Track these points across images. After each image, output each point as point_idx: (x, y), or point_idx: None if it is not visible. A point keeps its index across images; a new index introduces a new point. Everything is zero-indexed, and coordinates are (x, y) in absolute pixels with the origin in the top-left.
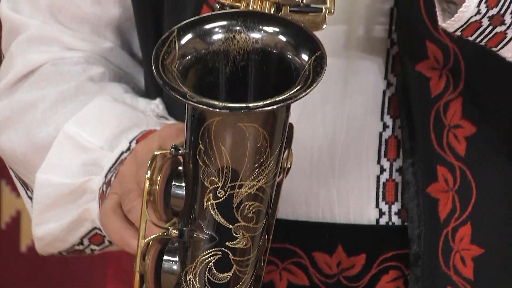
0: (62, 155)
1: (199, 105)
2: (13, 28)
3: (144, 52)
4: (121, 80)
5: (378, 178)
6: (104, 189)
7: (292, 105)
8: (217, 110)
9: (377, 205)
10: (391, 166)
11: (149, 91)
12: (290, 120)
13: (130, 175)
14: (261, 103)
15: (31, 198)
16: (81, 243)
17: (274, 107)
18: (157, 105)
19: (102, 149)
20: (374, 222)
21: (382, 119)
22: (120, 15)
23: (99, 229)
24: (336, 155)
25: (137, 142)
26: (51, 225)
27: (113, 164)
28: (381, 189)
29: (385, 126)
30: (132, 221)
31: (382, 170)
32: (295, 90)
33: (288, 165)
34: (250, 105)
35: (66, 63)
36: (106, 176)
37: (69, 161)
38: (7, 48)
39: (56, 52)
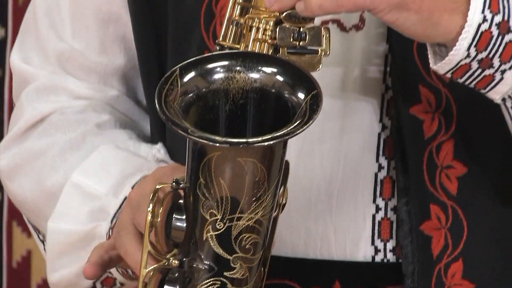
0: (70, 204)
1: (200, 140)
2: (23, 79)
3: (148, 99)
4: (127, 127)
5: (373, 216)
6: (111, 234)
7: (291, 143)
8: (217, 144)
9: (372, 243)
10: (386, 205)
11: (154, 137)
12: (289, 158)
13: (126, 221)
14: (259, 139)
15: (42, 242)
16: (94, 287)
17: (272, 142)
18: (158, 149)
19: (107, 196)
20: (370, 259)
21: (377, 160)
22: (126, 64)
23: (110, 272)
24: (334, 194)
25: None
26: (64, 271)
27: (118, 209)
28: (376, 228)
29: (380, 167)
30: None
31: (378, 209)
32: (292, 126)
33: (284, 201)
34: (249, 140)
35: (74, 111)
36: (112, 221)
37: (77, 209)
38: (17, 98)
39: (64, 101)
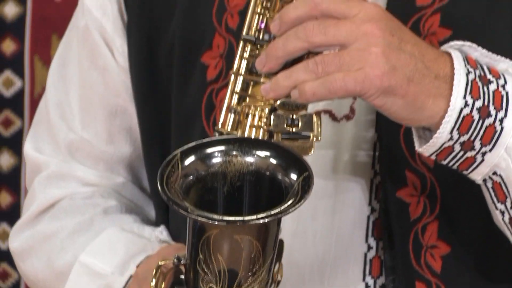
0: (79, 283)
1: (199, 218)
2: (36, 166)
3: (151, 183)
4: (132, 212)
5: None
6: None
7: (286, 222)
8: (215, 222)
9: None
10: (375, 283)
11: (158, 220)
12: (284, 237)
13: None
14: (254, 217)
15: None
16: None
17: (266, 220)
18: (161, 231)
19: (114, 274)
20: None
21: (366, 240)
22: (131, 154)
23: None
24: (326, 272)
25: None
26: None
27: (124, 287)
28: None
29: (369, 247)
30: None
31: (367, 286)
32: (285, 206)
33: (279, 278)
34: (245, 218)
35: (83, 197)
36: None
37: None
38: (30, 184)
39: (73, 187)
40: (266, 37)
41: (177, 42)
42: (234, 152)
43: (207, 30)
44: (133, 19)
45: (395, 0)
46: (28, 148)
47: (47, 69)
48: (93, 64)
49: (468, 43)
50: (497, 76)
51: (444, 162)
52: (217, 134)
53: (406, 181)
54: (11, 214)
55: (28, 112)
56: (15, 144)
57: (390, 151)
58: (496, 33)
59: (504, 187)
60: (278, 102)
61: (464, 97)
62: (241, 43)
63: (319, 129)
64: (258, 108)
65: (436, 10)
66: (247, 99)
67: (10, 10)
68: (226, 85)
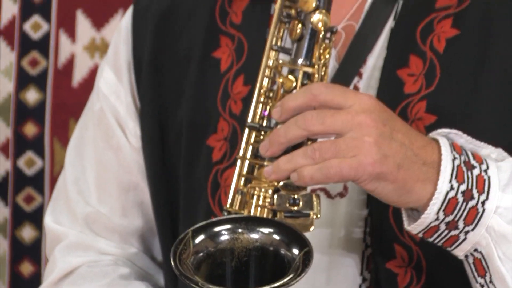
0: None
1: None
2: (56, 237)
3: (164, 256)
4: (144, 279)
5: None
6: None
7: None
8: None
9: None
10: None
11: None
12: None
13: None
14: None
15: None
16: None
17: None
18: None
19: None
20: None
21: None
22: (143, 226)
23: None
24: None
25: None
26: None
27: None
28: None
29: None
30: None
31: None
32: (288, 278)
33: None
34: None
35: (99, 265)
36: None
37: None
38: (50, 253)
39: (91, 256)
40: (269, 124)
41: (185, 126)
42: (241, 230)
43: (212, 115)
44: (145, 105)
45: (385, 88)
46: (48, 220)
47: (65, 150)
48: (108, 144)
49: (454, 131)
50: (480, 161)
51: (430, 240)
52: (225, 213)
53: (395, 254)
54: (33, 283)
55: (48, 189)
56: (36, 218)
57: (380, 226)
58: (478, 118)
59: (484, 263)
60: (281, 183)
61: (450, 181)
62: (246, 130)
63: (319, 208)
64: (263, 189)
65: (422, 97)
66: (253, 181)
67: (32, 96)
68: (231, 166)
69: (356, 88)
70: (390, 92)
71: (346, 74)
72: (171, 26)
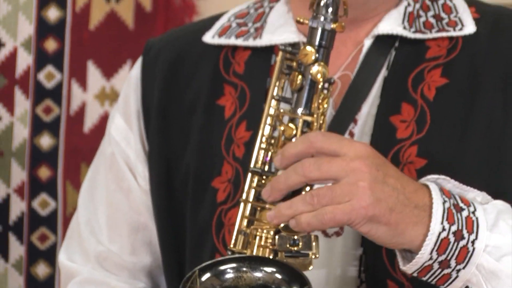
0: None
1: None
2: (69, 274)
3: None
4: None
5: None
6: None
7: None
8: None
9: None
10: None
11: None
12: None
13: None
14: None
15: None
16: None
17: None
18: None
19: None
20: None
21: None
22: (152, 263)
23: None
24: None
25: None
26: None
27: None
28: None
29: None
30: None
31: None
32: None
33: None
34: None
35: None
36: None
37: None
38: None
39: None
40: (271, 168)
41: (191, 169)
42: (245, 269)
43: (217, 159)
44: (153, 150)
45: (379, 133)
46: (63, 258)
47: (77, 192)
48: (119, 186)
49: (442, 177)
50: (468, 204)
51: (424, 278)
52: (229, 252)
53: None
54: None
55: (61, 228)
56: (50, 256)
57: (374, 264)
58: (465, 164)
59: None
60: (282, 225)
61: (442, 222)
62: (249, 174)
63: (317, 248)
64: (265, 230)
65: (413, 143)
66: (255, 223)
67: (46, 142)
68: (234, 206)
69: (351, 133)
70: (383, 137)
71: (342, 121)
72: (178, 75)
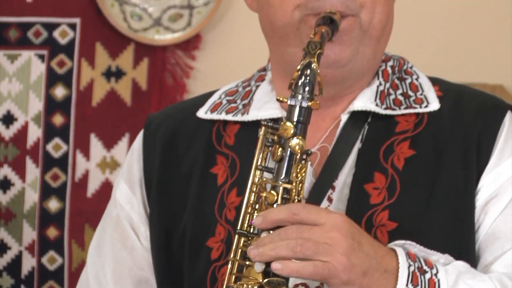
0: None
1: None
2: None
3: None
4: None
5: None
6: None
7: None
8: None
9: None
10: None
11: None
12: None
13: None
14: None
15: None
16: None
17: None
18: None
19: None
20: None
21: None
22: None
23: None
24: None
25: None
26: None
27: None
28: None
29: None
30: None
31: None
32: None
33: None
34: None
35: None
36: None
37: None
38: None
39: None
40: (256, 230)
41: (188, 231)
42: None
43: (211, 221)
44: (154, 214)
45: (354, 199)
46: None
47: (82, 250)
48: (124, 245)
49: (409, 242)
50: (431, 266)
51: None
52: None
53: None
54: None
55: (67, 282)
56: None
57: None
58: (431, 226)
59: None
60: (265, 280)
61: (407, 285)
62: (236, 236)
63: None
64: (250, 286)
65: (385, 208)
66: (242, 279)
67: (53, 205)
68: (227, 263)
69: (330, 199)
70: (358, 203)
71: (321, 188)
72: (176, 147)
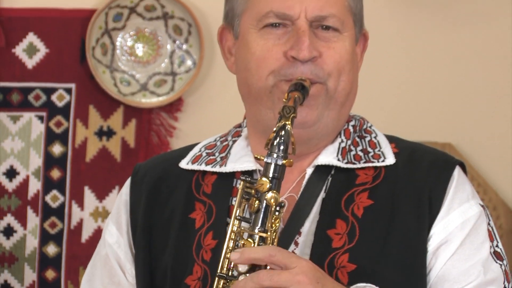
0: None
1: None
2: None
3: None
4: None
5: None
6: None
7: None
8: None
9: None
10: None
11: None
12: None
13: None
14: None
15: None
16: None
17: None
18: None
19: None
20: None
21: None
22: None
23: None
24: None
25: None
26: None
27: None
28: None
29: None
30: None
31: None
32: None
33: None
34: None
35: None
36: None
37: None
38: None
39: None
40: (233, 273)
41: (169, 269)
42: None
43: (189, 261)
44: (139, 253)
45: (318, 244)
46: None
47: None
48: (111, 280)
49: (368, 285)
50: None
51: None
52: None
53: None
54: None
55: None
56: None
57: None
58: (387, 268)
59: None
60: None
61: None
62: (216, 278)
63: None
64: None
65: (345, 251)
66: None
67: (51, 250)
68: None
69: (296, 243)
70: (322, 247)
71: (289, 233)
72: (159, 194)
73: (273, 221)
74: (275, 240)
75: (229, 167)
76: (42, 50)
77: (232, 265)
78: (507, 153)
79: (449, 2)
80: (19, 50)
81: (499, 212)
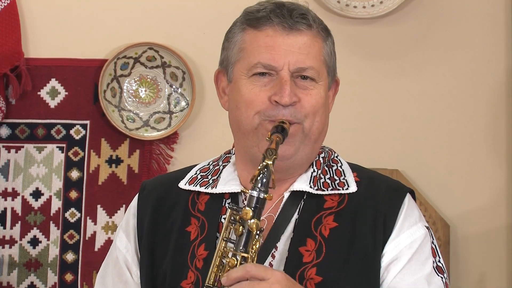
0: None
1: None
2: None
3: None
4: None
5: None
6: None
7: None
8: None
9: None
10: None
11: None
12: None
13: None
14: None
15: None
16: None
17: None
18: None
19: None
20: None
21: None
22: None
23: None
24: None
25: None
26: None
27: None
28: None
29: None
30: None
31: None
32: None
33: None
34: None
35: None
36: None
37: None
38: None
39: None
40: (220, 286)
41: (168, 273)
42: None
43: (184, 268)
44: (143, 258)
45: (292, 258)
46: None
47: None
48: (120, 279)
49: None
50: None
51: None
52: None
53: None
54: None
55: None
56: None
57: None
58: (348, 280)
59: None
60: None
61: None
62: None
63: None
64: None
65: (314, 265)
66: None
67: (70, 257)
68: None
69: (273, 255)
70: (294, 261)
71: (267, 248)
72: (162, 208)
73: (253, 243)
74: (255, 259)
75: (219, 189)
76: (62, 93)
77: (218, 278)
78: (444, 177)
79: (395, 55)
80: (44, 93)
81: (438, 226)
